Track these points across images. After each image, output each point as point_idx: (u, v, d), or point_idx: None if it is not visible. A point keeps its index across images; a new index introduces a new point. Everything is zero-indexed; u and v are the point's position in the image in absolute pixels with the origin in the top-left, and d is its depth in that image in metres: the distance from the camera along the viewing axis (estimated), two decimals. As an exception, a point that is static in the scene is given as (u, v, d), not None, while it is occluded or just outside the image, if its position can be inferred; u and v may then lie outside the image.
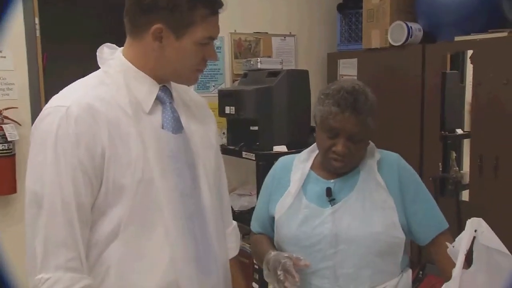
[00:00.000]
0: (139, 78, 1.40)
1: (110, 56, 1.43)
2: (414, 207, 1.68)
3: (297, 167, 1.79)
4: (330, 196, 1.68)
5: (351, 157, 1.66)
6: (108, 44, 1.47)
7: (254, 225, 1.92)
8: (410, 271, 1.76)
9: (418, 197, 1.70)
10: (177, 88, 1.52)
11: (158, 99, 1.43)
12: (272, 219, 1.79)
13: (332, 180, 1.72)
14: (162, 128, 1.41)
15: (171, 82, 1.49)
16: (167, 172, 1.39)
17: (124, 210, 1.33)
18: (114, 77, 1.39)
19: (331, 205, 1.67)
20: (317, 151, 1.79)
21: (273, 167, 1.89)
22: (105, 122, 1.32)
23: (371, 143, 1.76)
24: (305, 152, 1.83)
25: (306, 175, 1.76)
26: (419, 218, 1.68)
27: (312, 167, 1.78)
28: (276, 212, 1.76)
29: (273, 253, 1.66)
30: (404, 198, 1.67)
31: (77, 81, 1.42)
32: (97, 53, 1.44)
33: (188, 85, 1.55)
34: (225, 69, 3.76)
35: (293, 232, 1.69)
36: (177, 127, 1.44)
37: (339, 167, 1.68)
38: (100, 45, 1.46)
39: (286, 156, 1.90)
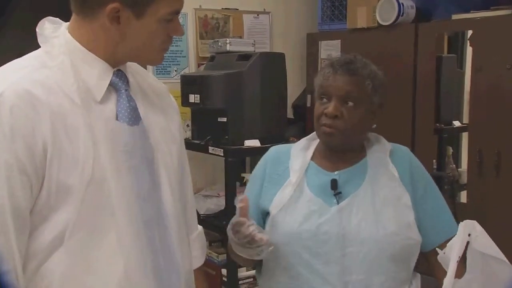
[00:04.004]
0: (89, 61, 1.39)
1: (53, 34, 1.41)
2: (422, 207, 1.73)
3: (296, 155, 1.83)
4: (335, 189, 1.72)
5: (343, 123, 1.69)
6: (50, 18, 1.44)
7: None
8: (419, 277, 1.80)
9: (427, 196, 1.76)
10: (133, 72, 1.52)
11: (112, 85, 1.42)
12: (263, 214, 1.82)
13: (336, 172, 1.77)
14: (117, 119, 1.41)
15: (127, 66, 1.49)
16: (121, 170, 1.38)
17: (70, 214, 1.32)
18: (59, 59, 1.37)
19: (337, 200, 1.71)
20: (317, 139, 1.83)
21: (264, 157, 1.93)
22: (48, 112, 1.30)
23: (381, 136, 1.83)
24: (304, 139, 1.87)
25: (307, 165, 1.80)
26: (426, 220, 1.73)
27: (312, 157, 1.82)
28: (273, 206, 1.78)
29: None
30: (414, 195, 1.73)
31: (12, 62, 1.39)
32: (37, 29, 1.42)
33: (153, 65, 1.55)
34: (189, 51, 3.77)
35: (294, 229, 1.72)
36: (134, 118, 1.44)
37: (328, 134, 1.72)
38: (45, 14, 1.43)
39: (278, 146, 1.95)
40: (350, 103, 1.70)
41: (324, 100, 1.73)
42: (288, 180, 1.79)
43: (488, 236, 1.47)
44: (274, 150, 1.93)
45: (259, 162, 1.93)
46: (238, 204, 1.60)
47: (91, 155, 1.34)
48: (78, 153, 1.33)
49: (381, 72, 1.78)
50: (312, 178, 1.78)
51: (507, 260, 1.43)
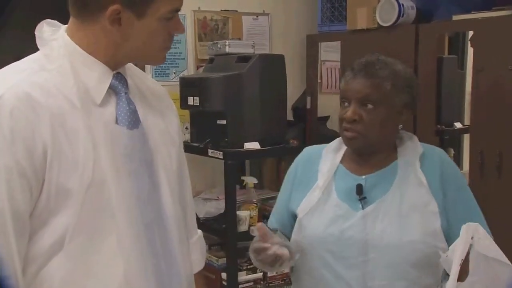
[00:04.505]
0: (89, 64, 1.40)
1: (52, 36, 1.42)
2: (453, 211, 1.73)
3: (327, 157, 1.87)
4: (360, 195, 1.75)
5: (363, 127, 1.72)
6: (49, 20, 1.45)
7: (272, 221, 1.98)
8: None
9: (459, 201, 1.76)
10: (132, 75, 1.53)
11: (111, 88, 1.43)
12: (292, 216, 1.86)
13: (363, 176, 1.79)
14: (116, 122, 1.41)
15: (126, 68, 1.50)
16: (121, 174, 1.39)
17: (70, 218, 1.33)
18: (58, 62, 1.38)
19: (362, 205, 1.73)
20: None
21: (297, 158, 1.97)
22: (48, 115, 1.31)
23: (415, 137, 1.84)
24: (336, 141, 1.90)
25: (336, 167, 1.83)
26: (457, 224, 1.69)
27: (342, 160, 1.85)
28: (301, 209, 1.82)
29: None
30: (445, 199, 1.74)
31: (10, 65, 1.40)
32: (35, 33, 1.42)
33: (156, 65, 1.56)
34: (188, 53, 3.77)
35: (319, 233, 1.75)
36: (134, 122, 1.45)
37: (349, 139, 1.75)
38: (44, 14, 1.44)
39: (311, 146, 1.99)
40: (370, 106, 1.72)
41: (346, 104, 1.76)
42: (316, 184, 1.82)
43: (491, 238, 1.47)
44: (306, 151, 1.97)
45: (292, 164, 1.97)
46: (255, 234, 1.66)
47: (91, 158, 1.34)
48: (78, 156, 1.33)
49: (408, 70, 1.81)
50: (340, 181, 1.81)
51: (510, 263, 1.43)
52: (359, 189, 1.76)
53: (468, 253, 1.44)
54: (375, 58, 1.78)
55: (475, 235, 1.45)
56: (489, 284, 1.43)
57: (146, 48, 1.43)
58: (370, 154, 1.80)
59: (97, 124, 1.37)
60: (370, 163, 1.80)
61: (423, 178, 1.74)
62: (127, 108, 1.44)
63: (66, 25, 1.44)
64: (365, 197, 1.75)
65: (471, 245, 1.45)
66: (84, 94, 1.38)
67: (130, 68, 1.53)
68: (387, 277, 1.69)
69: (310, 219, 1.78)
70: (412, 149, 1.81)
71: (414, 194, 1.73)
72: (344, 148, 1.86)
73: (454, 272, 1.42)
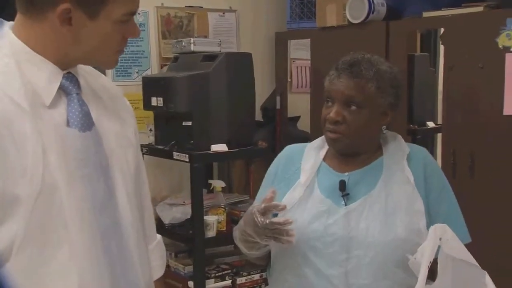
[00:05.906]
0: (37, 63, 1.37)
1: None
2: (435, 210, 1.76)
3: (309, 154, 1.89)
4: (343, 191, 1.76)
5: (346, 128, 1.74)
6: None
7: None
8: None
9: (441, 201, 1.79)
10: (85, 74, 1.50)
11: (61, 89, 1.40)
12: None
13: (346, 173, 1.81)
14: (68, 125, 1.38)
15: (78, 67, 1.47)
16: (74, 179, 1.36)
17: (18, 228, 1.29)
18: (3, 61, 1.34)
19: (345, 202, 1.75)
20: None
21: (278, 156, 1.99)
22: None
23: (399, 136, 1.87)
24: (319, 139, 1.92)
25: (319, 164, 1.85)
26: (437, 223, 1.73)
27: (325, 158, 1.87)
28: None
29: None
30: (428, 199, 1.76)
31: None
32: None
33: (108, 69, 1.54)
34: (151, 52, 3.75)
35: (302, 230, 1.75)
36: (87, 124, 1.42)
37: (332, 140, 1.77)
38: None
39: (293, 145, 2.01)
40: (353, 107, 1.74)
41: (329, 103, 1.78)
42: (298, 181, 1.84)
43: (459, 240, 1.49)
44: (288, 149, 1.99)
45: (273, 162, 1.99)
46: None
47: (41, 164, 1.31)
48: (26, 162, 1.30)
49: (394, 70, 1.82)
50: (323, 178, 1.83)
51: (477, 264, 1.45)
52: (342, 185, 1.78)
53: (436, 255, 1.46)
54: (360, 57, 1.79)
55: (443, 236, 1.46)
56: (456, 285, 1.45)
57: (99, 51, 1.41)
58: (354, 155, 1.83)
59: (46, 127, 1.34)
60: (352, 162, 1.83)
61: (411, 177, 1.77)
62: (79, 109, 1.41)
63: (12, 22, 1.41)
64: (348, 194, 1.77)
65: (439, 247, 1.46)
66: (32, 96, 1.34)
67: (83, 67, 1.50)
68: (370, 276, 1.70)
69: (292, 216, 1.77)
70: (398, 149, 1.83)
71: (400, 192, 1.75)
72: (327, 146, 1.88)
73: (422, 274, 1.43)
